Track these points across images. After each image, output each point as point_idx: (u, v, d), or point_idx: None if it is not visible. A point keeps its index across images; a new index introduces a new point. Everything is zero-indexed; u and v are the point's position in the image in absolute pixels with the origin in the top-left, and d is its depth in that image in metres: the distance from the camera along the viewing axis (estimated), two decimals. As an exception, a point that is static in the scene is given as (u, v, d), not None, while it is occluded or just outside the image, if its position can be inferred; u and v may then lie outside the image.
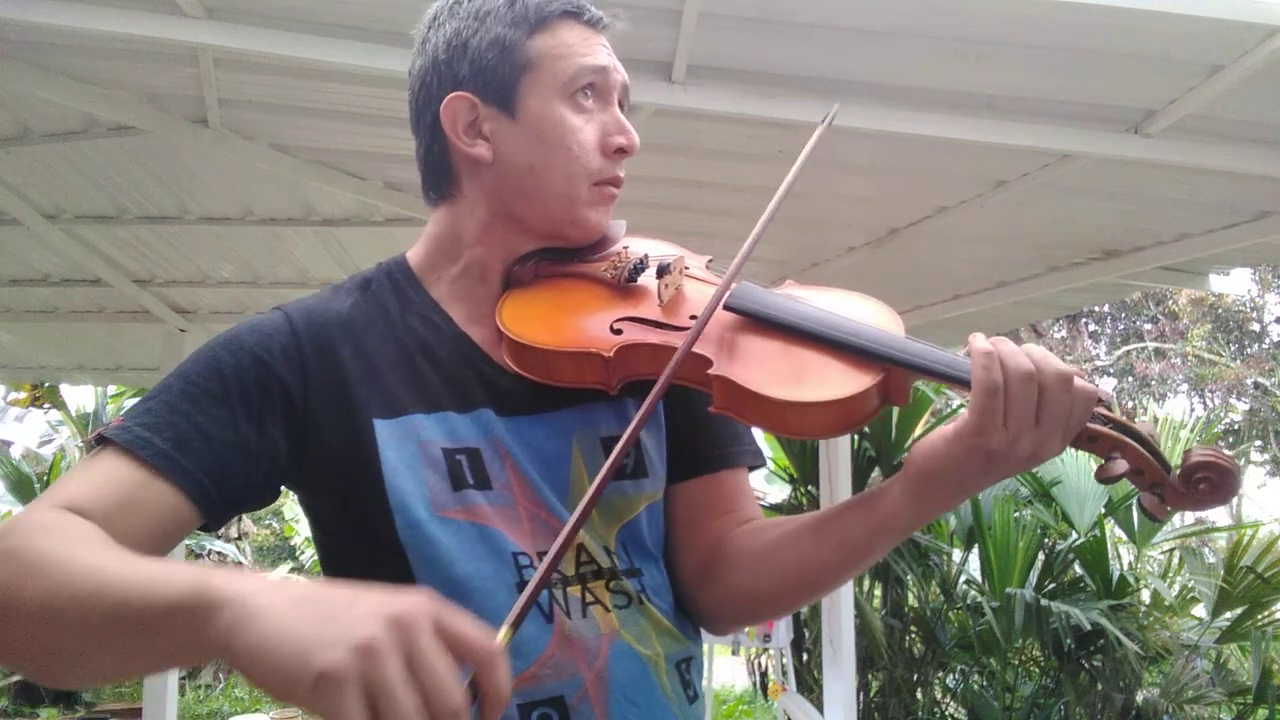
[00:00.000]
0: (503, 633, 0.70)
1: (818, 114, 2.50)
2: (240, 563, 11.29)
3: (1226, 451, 0.87)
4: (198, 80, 2.65)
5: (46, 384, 8.48)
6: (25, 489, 8.86)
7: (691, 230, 3.44)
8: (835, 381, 0.89)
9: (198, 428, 0.87)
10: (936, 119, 2.45)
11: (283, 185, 3.47)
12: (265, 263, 4.27)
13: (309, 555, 12.35)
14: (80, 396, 9.32)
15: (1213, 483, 0.84)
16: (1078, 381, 0.84)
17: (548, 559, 0.77)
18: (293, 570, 12.58)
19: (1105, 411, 0.86)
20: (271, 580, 0.66)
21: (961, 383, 0.86)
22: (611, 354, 0.94)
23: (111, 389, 8.85)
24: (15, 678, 8.04)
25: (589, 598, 0.93)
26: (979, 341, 0.85)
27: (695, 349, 0.92)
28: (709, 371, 0.91)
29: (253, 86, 2.71)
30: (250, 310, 4.76)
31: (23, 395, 9.07)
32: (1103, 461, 0.87)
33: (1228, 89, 2.24)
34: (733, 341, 0.94)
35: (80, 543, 0.76)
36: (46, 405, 9.20)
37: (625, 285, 1.00)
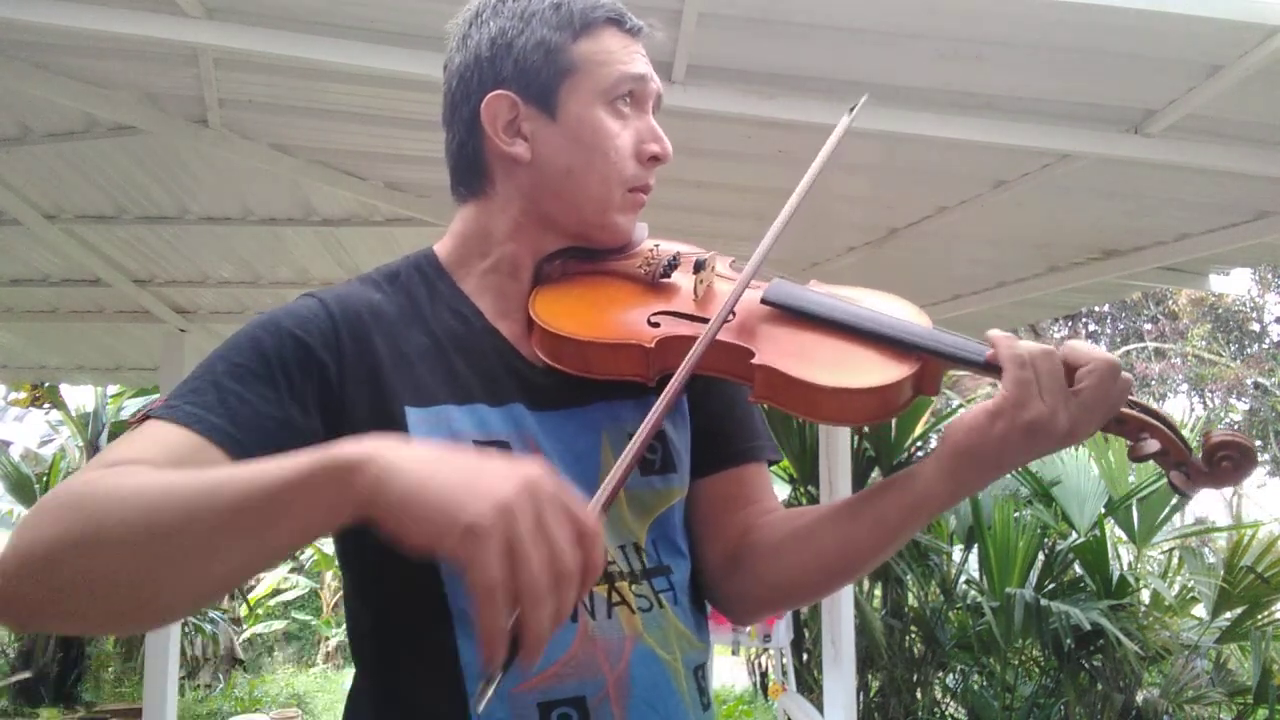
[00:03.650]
0: (594, 511, 0.73)
1: (818, 114, 2.51)
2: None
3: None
4: (198, 80, 2.65)
5: (46, 384, 8.47)
6: (25, 489, 8.84)
7: (691, 230, 3.44)
8: (874, 370, 0.92)
9: (248, 404, 0.86)
10: (936, 119, 2.45)
11: (283, 185, 3.48)
12: (265, 263, 4.27)
13: (308, 555, 12.34)
14: (80, 396, 9.31)
15: (1234, 460, 0.90)
16: (1110, 364, 0.88)
17: (628, 453, 0.80)
18: (293, 570, 12.57)
19: (1130, 398, 0.91)
20: (397, 438, 0.70)
21: (994, 370, 0.90)
22: (653, 345, 0.95)
23: (111, 389, 8.83)
24: (16, 677, 8.03)
25: (615, 598, 0.93)
26: (995, 331, 0.91)
27: (735, 341, 0.94)
28: (752, 361, 0.93)
29: (253, 86, 2.72)
30: (250, 310, 4.76)
31: (23, 395, 9.06)
32: (1131, 444, 0.92)
33: (1228, 89, 2.24)
34: (771, 334, 0.96)
35: (160, 472, 0.74)
36: (46, 405, 9.19)
37: (658, 281, 1.02)
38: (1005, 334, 0.90)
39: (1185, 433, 0.93)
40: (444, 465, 0.68)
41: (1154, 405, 0.93)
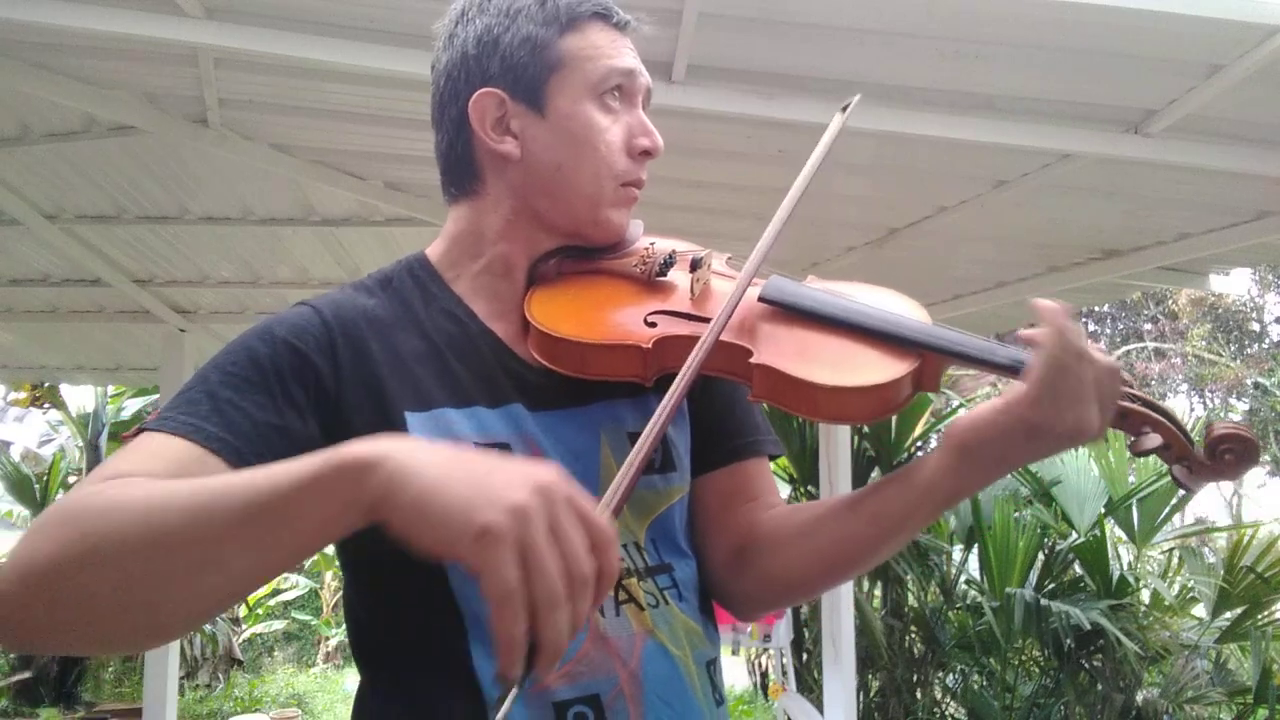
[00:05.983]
0: (606, 516, 0.72)
1: (818, 114, 2.51)
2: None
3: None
4: (198, 80, 2.65)
5: (46, 384, 8.48)
6: (25, 489, 8.85)
7: (691, 230, 3.42)
8: (873, 368, 0.91)
9: (244, 412, 0.85)
10: (936, 119, 2.45)
11: (283, 185, 3.48)
12: (265, 263, 4.28)
13: (309, 555, 12.32)
14: (80, 396, 9.31)
15: (1236, 452, 0.89)
16: (1099, 357, 0.87)
17: (630, 464, 0.78)
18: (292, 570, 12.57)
19: (1131, 390, 0.90)
20: (408, 439, 0.69)
21: (998, 367, 0.89)
22: (650, 345, 0.94)
23: (111, 389, 8.84)
24: (16, 677, 8.03)
25: (622, 596, 0.93)
26: (1054, 315, 0.85)
27: (733, 340, 0.93)
28: (750, 361, 0.92)
29: (253, 86, 2.72)
30: (250, 310, 4.77)
31: (23, 395, 9.07)
32: (1133, 438, 0.91)
33: (1228, 89, 2.24)
34: (769, 332, 0.96)
35: (160, 482, 0.73)
36: (46, 405, 9.19)
37: (655, 280, 1.01)
38: (1054, 323, 0.84)
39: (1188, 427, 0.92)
40: (458, 467, 0.66)
41: (1156, 399, 0.93)
